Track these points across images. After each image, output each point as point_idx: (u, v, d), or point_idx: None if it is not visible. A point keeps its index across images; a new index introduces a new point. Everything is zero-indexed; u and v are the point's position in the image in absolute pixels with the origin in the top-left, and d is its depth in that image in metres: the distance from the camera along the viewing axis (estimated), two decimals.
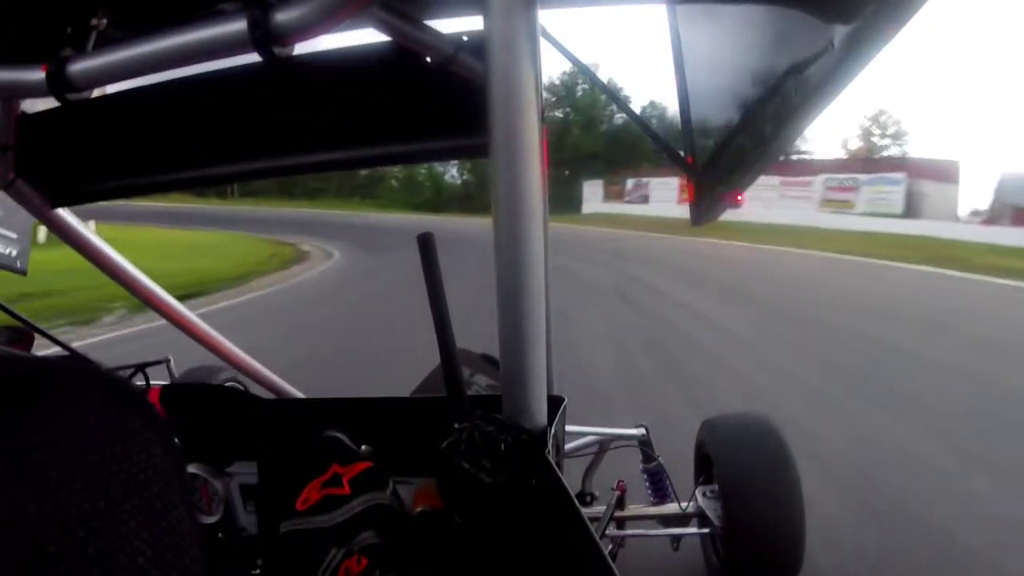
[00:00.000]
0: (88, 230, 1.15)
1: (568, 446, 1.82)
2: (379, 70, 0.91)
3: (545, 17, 0.84)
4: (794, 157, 28.43)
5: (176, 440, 0.43)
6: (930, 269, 12.15)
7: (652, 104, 35.85)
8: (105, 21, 0.76)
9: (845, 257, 14.23)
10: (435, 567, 0.81)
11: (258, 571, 0.71)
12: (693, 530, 1.98)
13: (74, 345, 1.20)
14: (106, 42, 0.68)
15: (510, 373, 0.65)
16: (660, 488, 2.07)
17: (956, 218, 25.32)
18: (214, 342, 1.45)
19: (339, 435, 0.76)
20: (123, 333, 6.08)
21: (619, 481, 1.93)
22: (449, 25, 0.86)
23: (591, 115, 40.19)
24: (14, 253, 1.12)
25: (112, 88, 1.00)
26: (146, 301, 1.30)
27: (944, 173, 25.98)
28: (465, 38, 0.82)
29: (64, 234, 1.12)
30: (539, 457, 0.66)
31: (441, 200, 40.72)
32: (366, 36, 0.88)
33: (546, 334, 0.64)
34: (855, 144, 35.85)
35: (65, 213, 1.11)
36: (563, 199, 30.36)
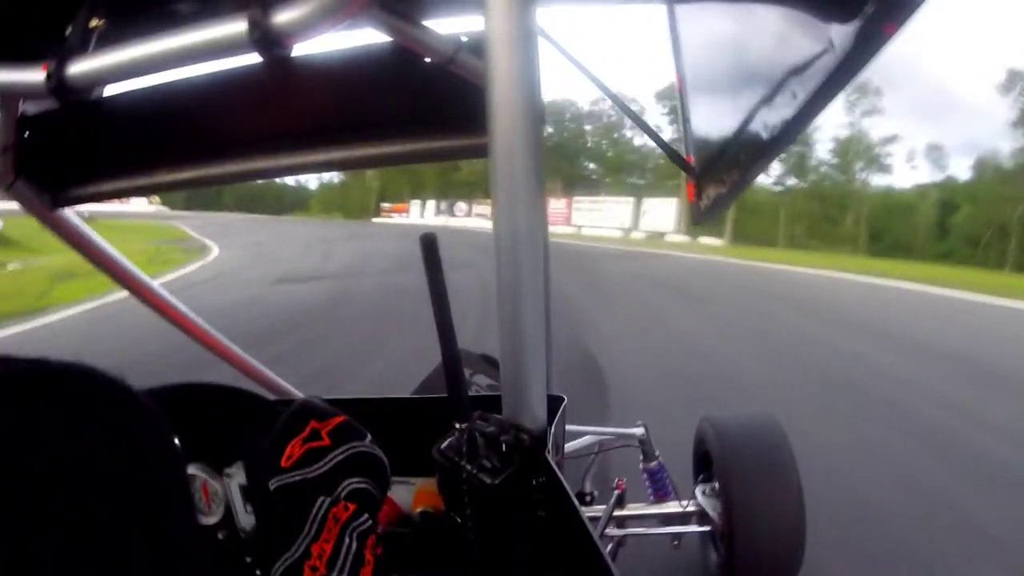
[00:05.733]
0: (89, 231, 1.15)
1: (568, 446, 1.82)
2: (379, 70, 0.91)
3: (545, 18, 0.84)
4: None
5: (176, 440, 0.43)
6: None
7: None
8: (105, 21, 0.76)
9: None
10: (435, 567, 0.81)
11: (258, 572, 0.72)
12: (693, 528, 1.98)
13: None
14: (106, 42, 0.68)
15: (510, 373, 0.65)
16: (660, 486, 2.07)
17: None
18: (215, 343, 1.45)
19: (313, 399, 0.79)
20: None
21: (618, 480, 1.93)
22: (449, 25, 0.86)
23: None
24: None
25: (112, 88, 1.00)
26: (148, 302, 1.30)
27: None
28: (465, 38, 0.82)
29: (65, 235, 1.12)
30: (539, 457, 0.66)
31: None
32: (366, 36, 0.88)
33: (546, 334, 0.64)
34: None
35: (66, 214, 1.11)
36: None
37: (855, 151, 34.89)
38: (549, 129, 46.65)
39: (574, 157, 46.96)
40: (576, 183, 43.69)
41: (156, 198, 53.15)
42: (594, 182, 44.95)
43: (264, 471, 0.70)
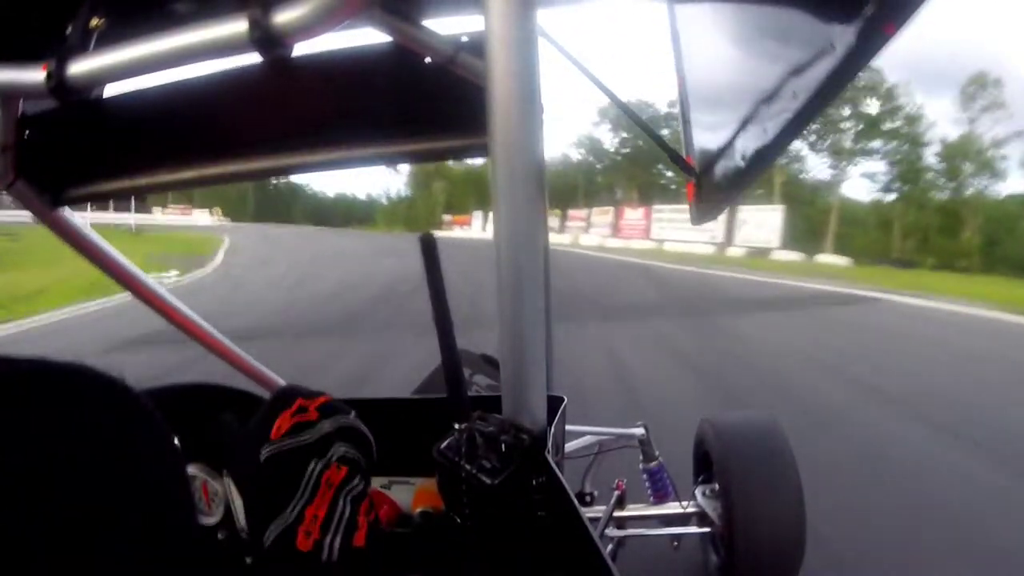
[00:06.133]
0: (89, 231, 1.15)
1: (568, 446, 1.82)
2: (379, 70, 0.92)
3: (545, 17, 0.84)
4: None
5: (176, 440, 0.43)
6: None
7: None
8: (105, 21, 0.76)
9: None
10: (435, 567, 0.81)
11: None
12: (693, 529, 1.98)
13: None
14: (106, 42, 0.68)
15: (510, 373, 0.65)
16: (660, 487, 2.07)
17: None
18: (215, 343, 1.45)
19: (297, 386, 0.81)
20: None
21: (619, 481, 1.93)
22: (449, 25, 0.86)
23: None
24: None
25: (112, 88, 1.00)
26: (148, 302, 1.30)
27: None
28: (465, 38, 0.82)
29: (65, 235, 1.12)
30: (539, 457, 0.66)
31: None
32: (366, 36, 0.88)
33: (546, 335, 0.64)
34: None
35: (66, 214, 1.11)
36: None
37: (963, 153, 28.96)
38: (623, 134, 43.93)
39: (648, 163, 42.13)
40: (653, 192, 40.15)
41: (218, 210, 51.05)
42: (672, 191, 39.69)
43: (253, 445, 0.70)
